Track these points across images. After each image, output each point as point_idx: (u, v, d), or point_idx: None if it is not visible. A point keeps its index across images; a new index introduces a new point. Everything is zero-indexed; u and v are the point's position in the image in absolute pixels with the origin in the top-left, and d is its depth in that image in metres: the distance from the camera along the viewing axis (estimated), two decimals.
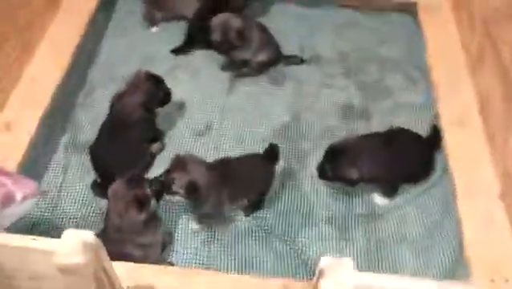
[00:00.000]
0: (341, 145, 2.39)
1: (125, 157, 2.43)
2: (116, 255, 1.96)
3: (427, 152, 2.55)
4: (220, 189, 2.22)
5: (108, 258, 1.48)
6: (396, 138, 2.49)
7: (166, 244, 2.27)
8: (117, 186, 2.04)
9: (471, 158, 2.41)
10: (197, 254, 2.29)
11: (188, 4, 3.14)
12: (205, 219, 2.36)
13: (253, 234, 2.37)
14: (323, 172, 2.41)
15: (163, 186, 2.10)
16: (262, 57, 2.92)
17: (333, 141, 2.45)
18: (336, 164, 2.35)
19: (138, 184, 2.01)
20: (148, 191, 2.00)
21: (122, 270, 1.76)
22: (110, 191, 2.05)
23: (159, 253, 2.17)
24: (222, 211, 2.33)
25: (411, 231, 2.40)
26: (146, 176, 2.49)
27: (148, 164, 2.56)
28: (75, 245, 1.39)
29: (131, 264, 1.85)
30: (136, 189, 1.98)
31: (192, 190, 2.12)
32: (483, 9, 2.58)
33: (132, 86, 2.42)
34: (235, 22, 2.79)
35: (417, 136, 2.55)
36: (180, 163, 2.15)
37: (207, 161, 2.26)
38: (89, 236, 1.43)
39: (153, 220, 2.04)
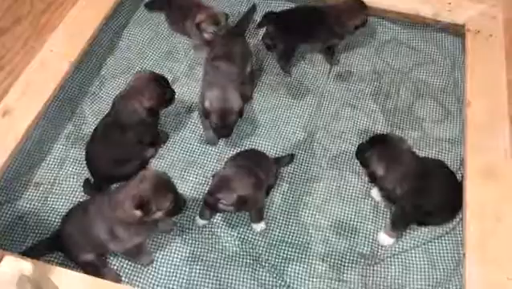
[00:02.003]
0: (388, 137, 2.23)
1: (117, 159, 2.35)
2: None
3: (458, 195, 2.29)
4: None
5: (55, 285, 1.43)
6: (435, 170, 2.28)
7: None
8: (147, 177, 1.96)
9: (492, 217, 2.13)
10: (177, 274, 2.18)
11: None
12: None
13: (240, 259, 2.24)
14: (359, 152, 2.26)
15: (209, 206, 2.13)
16: None
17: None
18: (372, 151, 2.17)
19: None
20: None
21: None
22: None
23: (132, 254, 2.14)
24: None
25: (412, 283, 2.19)
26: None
27: (140, 168, 2.41)
28: (10, 275, 1.32)
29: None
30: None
31: (242, 204, 2.11)
32: None
33: (135, 88, 2.31)
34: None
35: (453, 175, 2.35)
36: (223, 182, 2.09)
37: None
38: (28, 267, 1.36)
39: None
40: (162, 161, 2.54)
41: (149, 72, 2.39)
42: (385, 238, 2.30)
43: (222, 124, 2.45)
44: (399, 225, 2.29)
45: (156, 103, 2.33)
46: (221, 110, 2.43)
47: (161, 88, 2.35)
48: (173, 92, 2.43)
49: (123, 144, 2.34)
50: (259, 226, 2.31)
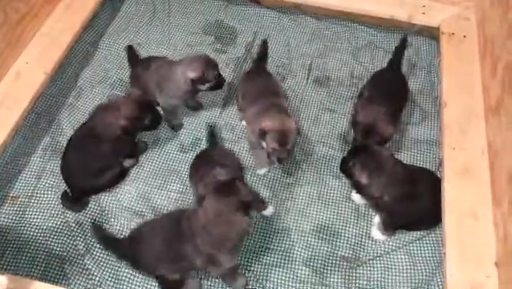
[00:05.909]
0: (368, 146, 2.22)
1: (92, 171, 2.32)
2: None
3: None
4: None
5: None
6: (421, 177, 2.29)
7: None
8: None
9: (470, 216, 2.15)
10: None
11: None
12: None
13: None
14: (343, 164, 2.26)
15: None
16: None
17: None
18: (354, 162, 2.17)
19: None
20: None
21: None
22: None
23: None
24: None
25: (395, 284, 2.20)
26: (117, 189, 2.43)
27: (118, 179, 2.43)
28: None
29: None
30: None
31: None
32: (508, 54, 2.27)
33: (117, 102, 2.30)
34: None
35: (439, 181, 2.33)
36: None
37: None
38: (2, 281, 1.34)
39: None
40: (142, 171, 2.52)
41: (140, 94, 2.39)
42: (378, 234, 2.33)
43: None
44: (389, 229, 2.31)
45: (130, 124, 2.31)
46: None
47: (140, 112, 2.33)
48: (157, 120, 2.42)
49: (100, 156, 2.31)
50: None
